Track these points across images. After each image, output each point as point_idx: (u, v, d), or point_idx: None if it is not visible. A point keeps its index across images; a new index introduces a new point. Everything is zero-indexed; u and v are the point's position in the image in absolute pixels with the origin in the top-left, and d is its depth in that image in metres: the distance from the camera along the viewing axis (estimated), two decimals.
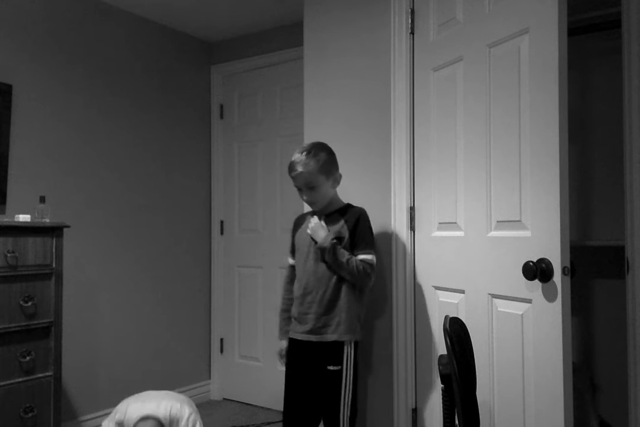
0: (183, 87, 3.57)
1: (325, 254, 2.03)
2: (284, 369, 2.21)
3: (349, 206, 2.18)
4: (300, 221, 2.26)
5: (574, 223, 2.51)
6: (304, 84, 2.68)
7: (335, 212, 2.14)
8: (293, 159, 2.11)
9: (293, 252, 2.25)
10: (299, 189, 2.13)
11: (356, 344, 2.09)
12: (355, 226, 2.09)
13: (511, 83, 1.78)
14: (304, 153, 2.08)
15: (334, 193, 2.17)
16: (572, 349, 1.60)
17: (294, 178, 2.11)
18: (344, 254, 2.02)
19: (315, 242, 2.07)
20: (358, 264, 2.01)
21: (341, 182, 2.18)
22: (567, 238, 1.59)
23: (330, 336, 2.03)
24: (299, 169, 2.06)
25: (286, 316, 2.22)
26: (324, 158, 2.08)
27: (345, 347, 2.04)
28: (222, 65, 3.71)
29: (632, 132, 1.86)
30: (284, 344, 2.22)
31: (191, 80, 3.63)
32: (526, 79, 1.72)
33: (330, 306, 2.04)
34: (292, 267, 2.25)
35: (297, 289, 2.14)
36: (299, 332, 2.10)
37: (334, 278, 2.05)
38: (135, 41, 3.29)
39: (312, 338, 2.06)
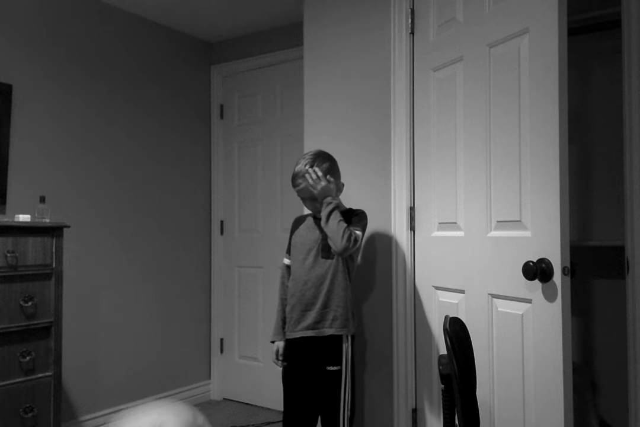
0: (183, 88, 3.57)
1: (327, 204, 2.03)
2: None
3: (350, 210, 2.18)
4: (299, 221, 2.27)
5: (574, 223, 2.51)
6: (304, 84, 2.68)
7: None
8: (296, 170, 2.09)
9: (289, 252, 2.25)
10: (303, 199, 2.13)
11: (352, 339, 2.10)
12: (354, 215, 2.13)
13: (511, 83, 1.78)
14: (307, 165, 2.07)
15: (338, 201, 2.16)
16: (572, 349, 1.60)
17: (297, 191, 2.10)
18: (339, 215, 2.02)
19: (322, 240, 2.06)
20: (346, 228, 1.99)
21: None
22: (567, 238, 1.59)
23: (328, 330, 2.04)
24: (302, 182, 2.06)
25: (284, 316, 2.21)
26: (327, 169, 2.08)
27: (344, 344, 2.05)
28: (222, 65, 3.71)
29: (632, 132, 1.86)
30: (279, 345, 2.20)
31: (191, 80, 3.63)
32: (526, 79, 1.71)
33: (327, 302, 2.05)
34: (288, 267, 2.25)
35: (293, 287, 2.14)
36: (297, 330, 2.09)
37: (331, 275, 2.06)
38: (135, 41, 3.29)
39: (310, 333, 2.06)
